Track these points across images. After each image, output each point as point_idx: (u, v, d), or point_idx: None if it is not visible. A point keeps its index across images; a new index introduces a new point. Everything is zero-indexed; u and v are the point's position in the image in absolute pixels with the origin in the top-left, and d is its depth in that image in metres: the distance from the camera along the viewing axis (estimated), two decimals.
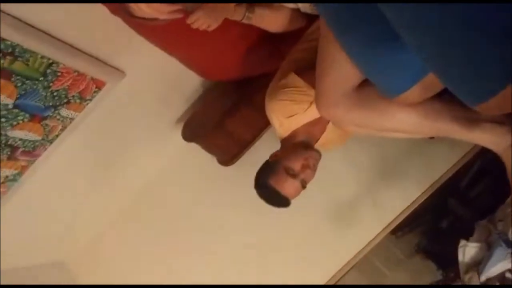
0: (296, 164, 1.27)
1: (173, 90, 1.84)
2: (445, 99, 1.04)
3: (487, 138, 1.04)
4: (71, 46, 1.37)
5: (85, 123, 1.61)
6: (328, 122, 1.33)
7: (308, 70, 1.20)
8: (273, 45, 1.47)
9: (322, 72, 1.10)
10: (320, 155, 1.33)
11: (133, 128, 1.83)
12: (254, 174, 2.05)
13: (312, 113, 1.23)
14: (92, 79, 1.53)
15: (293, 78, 1.26)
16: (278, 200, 1.31)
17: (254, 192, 2.03)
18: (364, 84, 1.07)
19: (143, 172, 2.10)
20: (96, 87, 1.57)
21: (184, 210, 2.17)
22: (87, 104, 1.60)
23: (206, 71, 1.61)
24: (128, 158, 1.95)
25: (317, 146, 1.37)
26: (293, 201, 1.97)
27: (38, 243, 1.99)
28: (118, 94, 1.61)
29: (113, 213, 2.15)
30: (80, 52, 1.42)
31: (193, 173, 2.14)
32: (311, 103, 1.23)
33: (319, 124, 1.33)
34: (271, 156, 1.34)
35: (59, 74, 1.42)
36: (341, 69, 1.06)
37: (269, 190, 1.30)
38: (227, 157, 1.98)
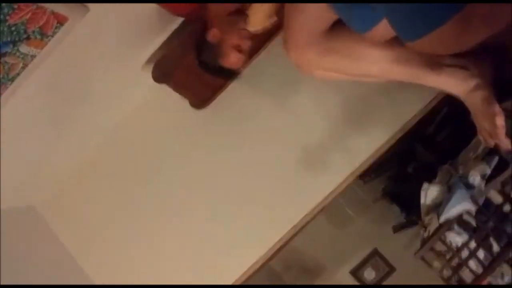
0: (238, 39, 1.33)
1: (142, 28, 1.76)
2: None
3: (450, 81, 1.06)
4: None
5: (47, 61, 1.53)
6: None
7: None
8: None
9: (293, 12, 1.07)
10: (246, 15, 1.36)
11: (99, 68, 1.75)
12: (229, 117, 2.06)
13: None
14: (53, 13, 1.44)
15: None
16: (230, 74, 1.45)
17: (227, 138, 2.07)
18: (335, 27, 1.06)
19: (111, 115, 2.05)
20: (57, 22, 1.48)
21: (155, 155, 2.15)
22: (49, 40, 1.50)
23: (174, 6, 1.55)
24: (95, 100, 1.88)
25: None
26: (262, 146, 2.01)
27: (5, 187, 1.95)
28: (82, 30, 1.52)
29: (79, 158, 2.11)
30: None
31: (164, 117, 2.11)
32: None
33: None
34: (209, 36, 1.37)
35: (15, 6, 1.32)
36: (311, 8, 1.04)
37: (222, 70, 1.39)
38: (200, 99, 1.96)
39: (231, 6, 1.35)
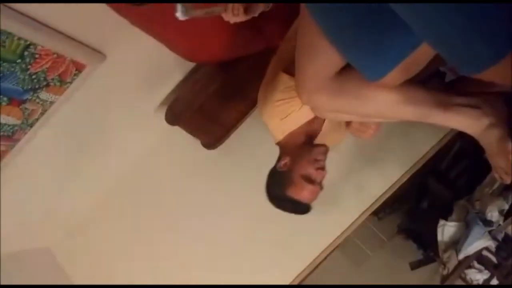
0: (310, 169, 1.22)
1: (155, 73, 1.82)
2: (422, 85, 1.06)
3: (463, 121, 1.06)
4: (49, 27, 1.33)
5: (65, 106, 1.58)
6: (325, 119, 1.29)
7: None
8: (257, 26, 1.46)
9: (303, 59, 1.10)
10: (327, 148, 1.29)
11: (114, 112, 1.80)
12: (239, 157, 2.07)
13: (307, 111, 1.19)
14: (72, 61, 1.50)
15: (283, 77, 1.22)
16: (299, 208, 1.27)
17: (239, 176, 2.07)
18: (345, 70, 1.08)
19: (126, 157, 2.09)
20: (76, 70, 1.54)
21: (168, 195, 2.17)
22: (67, 87, 1.57)
23: (190, 53, 1.60)
24: (110, 143, 1.93)
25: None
26: None
27: (21, 230, 1.97)
28: (99, 77, 1.58)
29: (96, 198, 2.13)
30: (59, 33, 1.38)
31: (177, 157, 2.14)
32: None
33: (316, 122, 1.28)
34: (279, 166, 1.27)
35: (37, 56, 1.38)
36: (322, 55, 1.06)
37: (289, 201, 1.25)
38: (211, 140, 1.98)
39: (304, 137, 1.25)
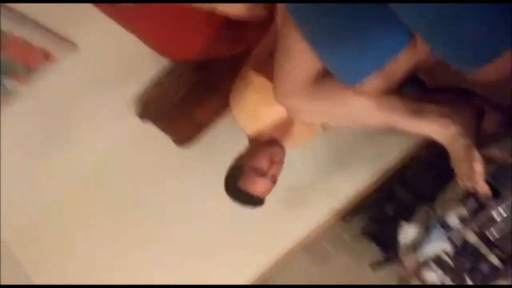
0: (262, 163, 1.25)
1: (130, 68, 1.77)
2: (395, 92, 1.09)
3: (433, 129, 1.10)
4: (18, 14, 1.28)
5: (32, 96, 1.52)
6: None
7: (271, 66, 1.18)
8: (237, 28, 1.45)
9: (282, 61, 1.10)
10: (284, 150, 1.32)
11: (83, 105, 1.74)
12: (212, 155, 2.06)
13: (278, 109, 1.21)
14: (41, 50, 1.44)
15: (254, 76, 1.23)
16: (252, 201, 1.30)
17: (209, 177, 2.05)
18: (322, 75, 1.09)
19: (93, 152, 2.01)
20: (45, 59, 1.48)
21: (136, 192, 2.11)
22: (35, 76, 1.51)
23: (167, 49, 1.57)
24: (78, 136, 1.86)
25: (286, 142, 1.35)
26: None
27: None
28: (69, 67, 1.53)
29: (60, 193, 2.05)
30: (28, 20, 1.32)
31: (148, 154, 2.09)
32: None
33: (286, 121, 1.30)
34: (235, 159, 1.31)
35: (4, 43, 1.32)
36: (300, 58, 1.07)
37: (241, 194, 1.27)
38: (183, 137, 1.96)
39: (273, 135, 1.28)
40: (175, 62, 1.84)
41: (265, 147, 1.28)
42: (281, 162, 1.29)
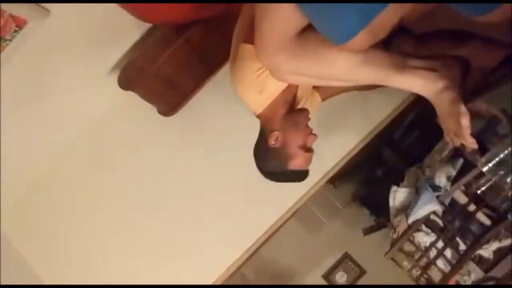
0: (305, 137, 1.26)
1: (107, 33, 1.70)
2: (380, 47, 1.06)
3: (419, 83, 1.08)
4: None
5: (5, 66, 1.45)
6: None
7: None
8: None
9: (263, 19, 1.06)
10: (308, 110, 1.32)
11: (60, 74, 1.67)
12: (198, 124, 2.03)
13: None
14: (11, 16, 1.37)
15: (247, 49, 1.17)
16: (300, 176, 1.31)
17: (195, 145, 2.03)
18: (305, 31, 1.05)
19: (74, 124, 1.97)
20: (16, 26, 1.41)
21: (119, 165, 2.08)
22: (7, 45, 1.44)
23: (146, 12, 1.51)
24: (56, 108, 1.80)
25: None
26: (232, 152, 1.99)
27: None
28: (43, 34, 1.46)
29: (40, 167, 2.01)
30: None
31: (131, 125, 2.05)
32: None
33: (291, 88, 1.26)
34: (271, 143, 1.26)
35: None
36: (282, 15, 1.03)
37: (290, 174, 1.28)
38: (168, 106, 1.92)
39: (284, 106, 1.24)
40: (155, 27, 1.78)
41: (294, 120, 1.26)
42: (311, 130, 1.29)
